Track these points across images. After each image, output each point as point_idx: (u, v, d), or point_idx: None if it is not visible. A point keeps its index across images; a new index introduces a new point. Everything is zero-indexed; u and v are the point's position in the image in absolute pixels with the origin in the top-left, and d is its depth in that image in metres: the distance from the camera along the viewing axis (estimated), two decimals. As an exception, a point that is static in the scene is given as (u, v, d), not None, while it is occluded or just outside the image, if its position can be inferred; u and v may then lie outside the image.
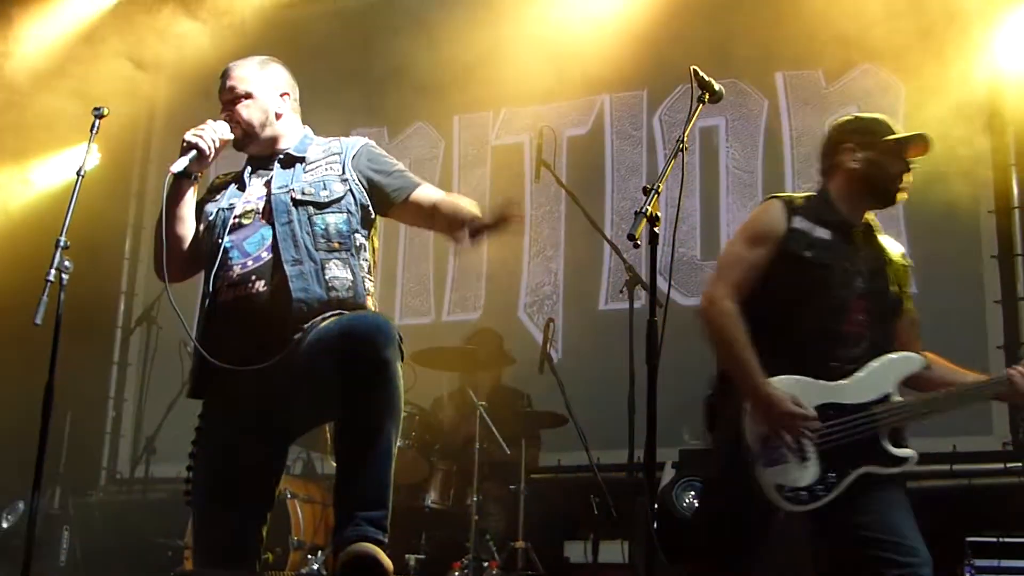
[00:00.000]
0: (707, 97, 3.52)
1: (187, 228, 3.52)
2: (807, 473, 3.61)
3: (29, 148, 7.99)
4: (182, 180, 3.47)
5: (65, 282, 3.71)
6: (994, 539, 5.15)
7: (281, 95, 3.66)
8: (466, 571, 5.72)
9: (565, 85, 7.62)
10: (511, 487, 6.29)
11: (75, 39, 8.03)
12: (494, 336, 6.95)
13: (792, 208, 3.74)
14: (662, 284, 4.78)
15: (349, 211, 3.47)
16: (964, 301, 6.63)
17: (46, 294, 3.63)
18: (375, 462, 3.06)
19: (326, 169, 3.54)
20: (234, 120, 3.55)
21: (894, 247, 3.94)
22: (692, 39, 7.17)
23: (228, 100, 3.59)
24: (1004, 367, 6.34)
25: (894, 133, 3.81)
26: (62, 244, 3.72)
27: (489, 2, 7.58)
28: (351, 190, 3.50)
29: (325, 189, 3.48)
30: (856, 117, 4.02)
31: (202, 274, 3.51)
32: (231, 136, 3.55)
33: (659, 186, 3.30)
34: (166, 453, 7.26)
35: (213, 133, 3.48)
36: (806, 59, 7.23)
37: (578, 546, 6.65)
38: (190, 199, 3.53)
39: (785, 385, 3.61)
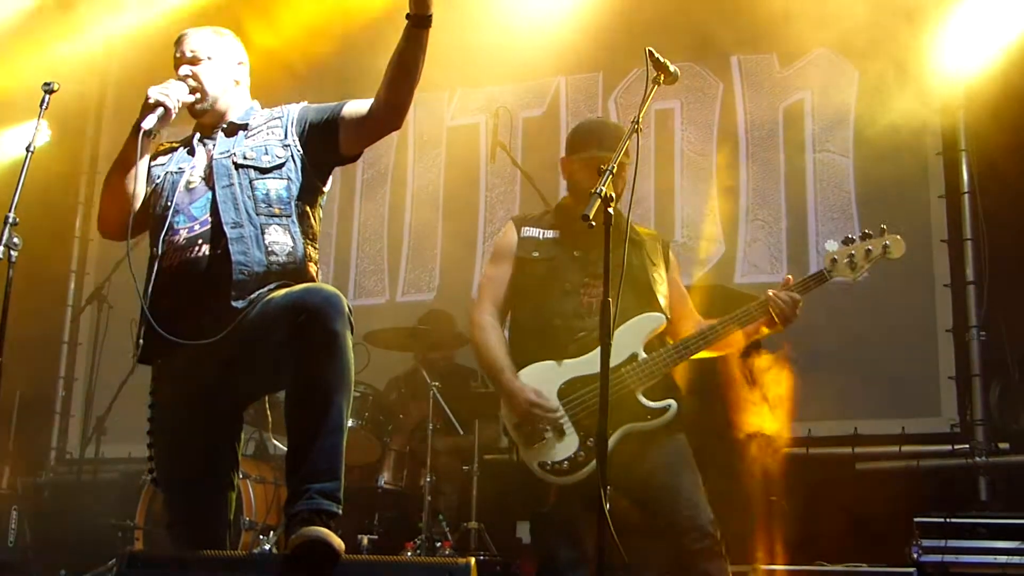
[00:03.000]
0: (662, 78, 3.53)
1: (140, 187, 3.50)
2: (567, 445, 3.91)
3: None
4: (144, 138, 3.41)
5: (14, 259, 3.66)
6: (941, 519, 5.21)
7: (238, 63, 3.69)
8: (419, 551, 5.72)
9: (521, 66, 7.59)
10: (464, 467, 6.30)
11: (25, 14, 7.91)
12: (446, 317, 6.96)
13: (523, 222, 4.33)
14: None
15: (290, 178, 3.49)
16: (914, 285, 6.69)
17: (-6, 271, 3.59)
18: (327, 434, 3.05)
19: (267, 134, 3.55)
20: (196, 80, 3.54)
21: (645, 228, 4.43)
22: (648, 22, 7.17)
23: (188, 62, 3.57)
24: (953, 351, 6.52)
25: (592, 143, 4.19)
26: (11, 221, 3.66)
27: (446, -18, 7.53)
28: (292, 156, 3.51)
29: (267, 154, 3.49)
30: (576, 127, 4.45)
31: (147, 240, 3.51)
32: (191, 98, 3.53)
33: (614, 166, 3.31)
34: (117, 433, 7.18)
35: (177, 92, 3.47)
36: (761, 43, 7.26)
37: (531, 526, 6.67)
38: (146, 159, 3.50)
39: (532, 371, 3.99)
